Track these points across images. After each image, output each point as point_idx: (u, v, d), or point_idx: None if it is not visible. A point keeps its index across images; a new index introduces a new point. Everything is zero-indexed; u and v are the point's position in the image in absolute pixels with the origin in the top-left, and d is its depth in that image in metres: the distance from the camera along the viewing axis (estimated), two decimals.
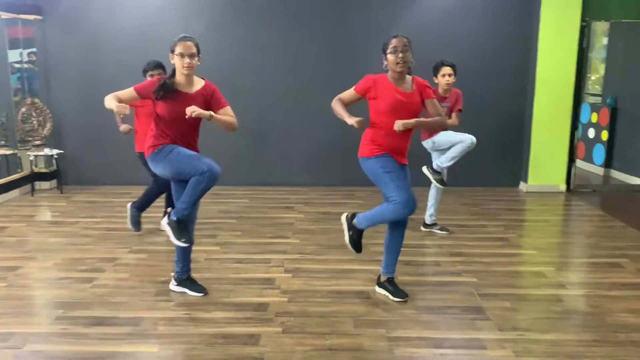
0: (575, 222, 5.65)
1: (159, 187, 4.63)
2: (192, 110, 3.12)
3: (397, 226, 3.49)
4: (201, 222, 5.02)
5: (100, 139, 6.71)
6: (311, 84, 6.63)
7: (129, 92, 3.25)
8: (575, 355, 2.87)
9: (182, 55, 3.21)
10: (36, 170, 6.59)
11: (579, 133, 7.99)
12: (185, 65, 3.21)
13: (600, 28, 8.22)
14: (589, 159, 8.02)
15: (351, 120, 3.26)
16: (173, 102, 3.24)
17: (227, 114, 3.38)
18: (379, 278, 3.65)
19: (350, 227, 3.62)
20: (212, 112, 3.24)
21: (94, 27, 6.55)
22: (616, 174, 7.46)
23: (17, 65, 6.52)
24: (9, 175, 6.30)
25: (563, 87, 6.38)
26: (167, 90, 3.24)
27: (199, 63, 3.31)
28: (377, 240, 4.69)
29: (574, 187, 6.73)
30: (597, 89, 8.45)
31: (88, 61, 6.62)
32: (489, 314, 3.33)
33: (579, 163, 8.02)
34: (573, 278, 3.98)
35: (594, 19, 6.46)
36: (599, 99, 8.17)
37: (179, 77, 3.29)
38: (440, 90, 4.57)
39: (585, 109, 8.14)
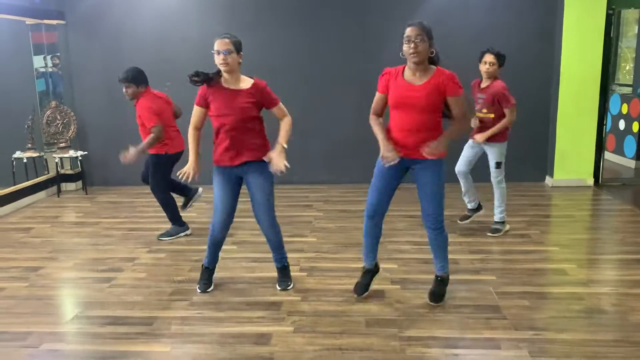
0: (602, 217, 5.47)
1: (164, 191, 4.73)
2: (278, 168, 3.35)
3: (427, 227, 3.34)
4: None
5: (124, 140, 6.71)
6: (330, 83, 6.60)
7: (195, 111, 3.44)
8: (593, 356, 2.78)
9: (217, 52, 3.27)
10: (62, 172, 6.74)
11: (608, 125, 7.76)
12: (221, 61, 3.26)
13: (633, 16, 7.96)
14: (619, 151, 7.76)
15: (385, 152, 3.16)
16: (221, 99, 3.33)
17: (280, 114, 3.54)
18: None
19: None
20: (282, 145, 3.44)
21: (115, 30, 6.65)
22: None
23: (41, 70, 6.67)
24: (36, 177, 6.46)
25: (589, 77, 6.18)
26: (206, 78, 3.33)
27: (239, 60, 3.34)
28: (394, 239, 4.65)
29: (603, 180, 6.53)
30: (628, 79, 8.18)
31: (110, 64, 6.71)
32: (505, 313, 3.25)
33: (609, 156, 7.80)
34: (596, 275, 3.84)
35: (622, 6, 6.24)
36: (629, 90, 7.90)
37: (223, 75, 3.36)
38: (483, 78, 4.48)
39: (615, 99, 7.88)
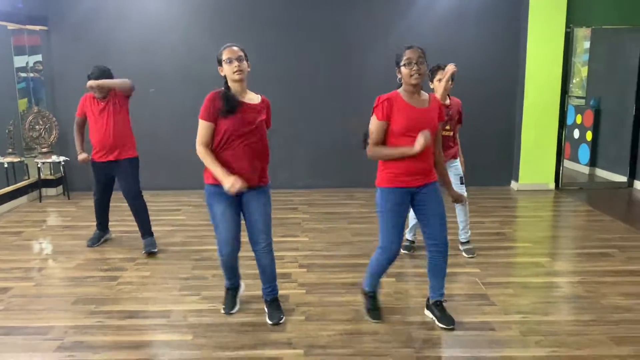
0: (566, 217, 5.96)
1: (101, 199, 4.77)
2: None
3: (432, 252, 3.20)
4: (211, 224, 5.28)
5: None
6: (312, 93, 6.89)
7: (202, 126, 3.08)
8: (575, 334, 3.15)
9: (230, 60, 3.04)
10: (42, 177, 6.73)
11: (565, 134, 8.37)
12: (235, 69, 3.03)
13: (582, 33, 8.61)
14: (574, 158, 8.37)
15: (421, 145, 2.92)
16: (235, 117, 3.06)
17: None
18: (427, 300, 3.37)
19: (364, 296, 3.41)
20: None
21: (99, 37, 6.73)
22: (600, 172, 7.82)
23: (23, 75, 6.67)
24: (15, 183, 6.43)
25: (550, 90, 6.72)
26: (232, 103, 3.06)
27: (249, 68, 3.15)
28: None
29: (562, 185, 7.07)
30: (579, 91, 8.82)
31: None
32: (494, 300, 3.60)
33: (566, 163, 8.38)
34: (568, 267, 4.26)
35: (578, 25, 6.82)
36: (582, 101, 8.54)
37: (234, 87, 3.11)
38: (437, 96, 4.39)
39: (570, 110, 8.50)
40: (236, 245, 3.22)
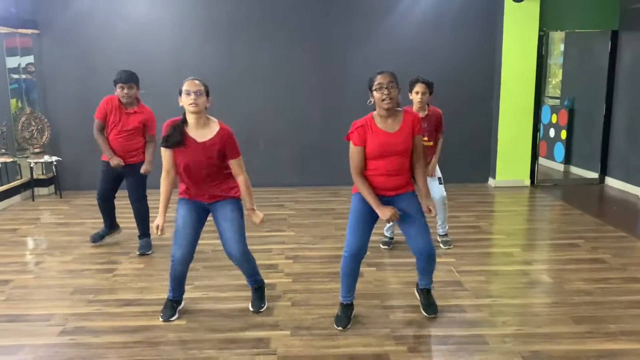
0: (539, 211, 6.28)
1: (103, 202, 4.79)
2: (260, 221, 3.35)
3: (418, 258, 3.32)
4: None
5: (96, 147, 7.03)
6: (296, 93, 7.14)
7: (164, 154, 3.24)
8: (539, 314, 3.45)
9: (188, 92, 3.13)
10: (35, 176, 6.91)
11: (540, 133, 8.72)
12: (191, 101, 3.11)
13: (558, 36, 8.98)
14: (550, 156, 8.72)
15: (385, 214, 3.12)
16: (185, 151, 3.18)
17: (235, 168, 3.30)
18: (417, 285, 3.56)
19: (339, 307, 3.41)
20: (253, 209, 3.34)
21: (89, 40, 6.93)
22: (575, 170, 8.17)
23: (15, 76, 6.84)
24: (8, 182, 6.60)
25: (525, 91, 7.05)
26: (176, 138, 3.16)
27: (207, 104, 3.22)
28: None
29: (537, 181, 7.40)
30: (557, 92, 9.19)
31: (83, 73, 6.99)
32: (467, 286, 3.88)
33: (542, 160, 8.73)
34: (537, 256, 4.56)
35: (551, 29, 7.15)
36: (557, 102, 8.90)
37: (189, 118, 3.19)
38: (414, 108, 4.39)
39: (545, 110, 8.85)
40: (188, 251, 3.35)
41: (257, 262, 4.27)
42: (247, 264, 3.45)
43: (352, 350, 3.01)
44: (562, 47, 9.08)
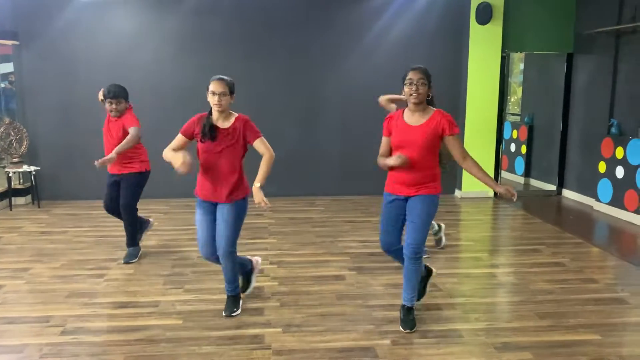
0: (502, 220, 6.70)
1: (136, 210, 4.81)
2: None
3: (405, 255, 3.43)
4: (182, 228, 5.71)
5: (74, 157, 7.15)
6: (272, 107, 7.40)
7: (177, 137, 3.55)
8: (507, 311, 3.79)
9: (213, 93, 3.48)
10: (12, 186, 6.93)
11: (502, 147, 9.22)
12: (216, 102, 3.47)
13: (518, 56, 9.54)
14: (511, 169, 9.23)
15: (392, 161, 3.30)
16: (210, 142, 3.51)
17: (260, 147, 3.65)
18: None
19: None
20: (258, 186, 3.61)
21: (70, 52, 7.04)
22: (534, 182, 8.69)
23: None
24: None
25: (488, 108, 7.52)
26: (208, 133, 3.51)
27: (232, 101, 3.60)
28: (341, 238, 5.52)
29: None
30: (517, 109, 9.74)
31: (63, 84, 7.09)
32: (441, 287, 4.20)
33: (504, 173, 9.23)
34: (503, 260, 4.94)
35: (512, 50, 7.66)
36: (518, 118, 9.45)
37: (214, 114, 3.57)
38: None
39: (507, 126, 9.37)
40: (211, 248, 3.63)
41: None
42: (231, 262, 3.64)
43: (341, 344, 3.28)
44: (521, 66, 9.66)
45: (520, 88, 9.64)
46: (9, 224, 6.07)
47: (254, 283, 3.99)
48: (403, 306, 3.55)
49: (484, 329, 3.48)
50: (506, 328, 3.51)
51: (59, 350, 3.17)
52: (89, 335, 3.36)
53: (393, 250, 3.58)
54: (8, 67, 7.03)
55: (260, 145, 3.67)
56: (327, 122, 7.53)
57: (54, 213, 6.59)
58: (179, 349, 3.20)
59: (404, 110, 3.44)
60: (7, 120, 6.83)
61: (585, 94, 7.43)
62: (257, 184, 3.62)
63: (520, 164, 9.01)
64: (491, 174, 7.68)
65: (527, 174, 8.87)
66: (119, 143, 4.49)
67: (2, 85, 6.98)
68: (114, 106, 4.52)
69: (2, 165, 6.92)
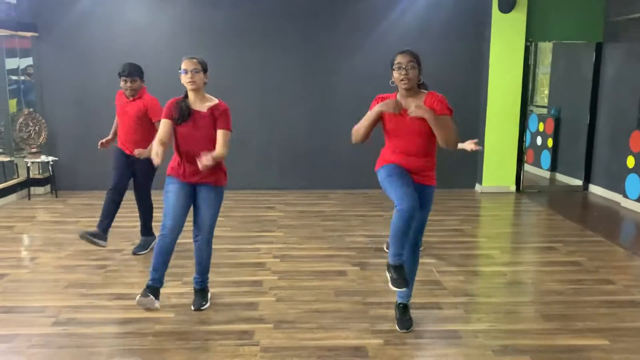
0: (522, 216, 6.46)
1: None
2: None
3: (408, 250, 3.27)
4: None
5: (91, 147, 7.13)
6: (288, 99, 7.32)
7: (163, 124, 3.44)
8: (512, 311, 3.62)
9: (185, 71, 3.39)
10: (31, 176, 7.05)
11: (527, 141, 8.91)
12: (188, 80, 3.38)
13: (547, 46, 9.19)
14: (537, 163, 8.91)
15: (388, 104, 3.06)
16: (186, 123, 3.43)
17: (219, 139, 3.41)
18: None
19: (388, 269, 3.14)
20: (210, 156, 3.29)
21: (87, 43, 7.09)
22: (560, 177, 8.36)
23: (14, 78, 7.00)
24: (5, 181, 6.75)
25: (511, 100, 7.24)
26: (184, 114, 3.42)
27: (205, 80, 3.48)
28: (350, 233, 5.40)
29: (523, 187, 7.58)
30: (545, 101, 9.40)
31: (81, 75, 7.15)
32: (445, 285, 4.04)
33: (529, 168, 8.93)
34: (515, 258, 4.74)
35: (537, 39, 7.35)
36: (545, 110, 9.11)
37: (190, 95, 3.46)
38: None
39: (533, 119, 9.06)
40: (178, 221, 3.48)
41: (246, 261, 4.51)
42: (207, 248, 3.64)
43: (331, 342, 3.17)
44: (550, 57, 9.30)
45: (549, 79, 9.28)
46: (25, 213, 6.16)
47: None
48: (399, 305, 3.43)
49: (484, 331, 3.32)
50: (508, 330, 3.34)
51: (47, 342, 3.16)
52: (80, 327, 3.35)
53: (409, 210, 3.02)
54: (27, 62, 7.12)
55: (220, 137, 3.44)
56: (342, 114, 7.37)
57: (70, 203, 6.66)
58: (165, 343, 3.16)
59: (396, 94, 3.22)
60: (26, 111, 6.93)
61: (615, 85, 7.08)
62: (209, 156, 3.31)
63: (546, 157, 8.69)
64: (513, 167, 7.42)
65: (553, 168, 8.55)
66: (136, 124, 4.50)
67: (22, 77, 7.08)
68: (128, 84, 4.46)
69: (22, 155, 7.03)
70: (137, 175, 4.68)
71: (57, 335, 3.24)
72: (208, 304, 3.67)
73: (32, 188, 7.08)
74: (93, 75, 7.13)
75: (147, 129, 4.51)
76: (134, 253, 4.75)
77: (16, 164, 6.97)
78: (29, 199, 6.84)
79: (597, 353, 3.06)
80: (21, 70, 7.04)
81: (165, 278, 4.12)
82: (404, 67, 3.08)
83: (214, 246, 3.86)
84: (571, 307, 3.66)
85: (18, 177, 6.98)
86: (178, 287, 3.98)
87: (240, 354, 3.04)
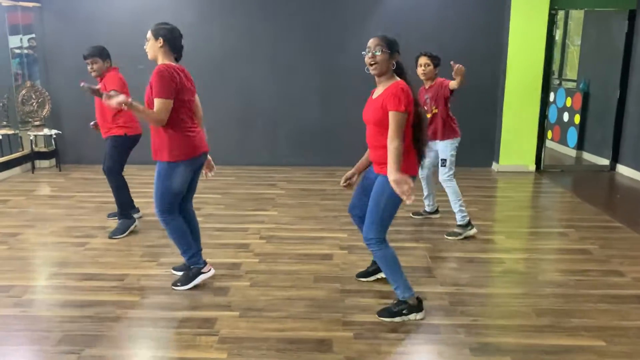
0: (536, 198, 6.04)
1: (118, 173, 4.63)
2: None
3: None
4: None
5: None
6: (296, 71, 7.02)
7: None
8: (502, 305, 3.31)
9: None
10: (36, 149, 7.02)
11: (554, 117, 8.39)
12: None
13: (578, 15, 8.56)
14: (563, 141, 8.39)
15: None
16: None
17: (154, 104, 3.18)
18: None
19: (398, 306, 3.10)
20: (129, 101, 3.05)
21: (90, 14, 6.93)
22: (587, 156, 7.84)
23: (17, 51, 6.91)
24: (10, 154, 6.72)
25: (532, 72, 6.74)
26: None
27: (158, 45, 3.29)
28: (345, 213, 5.12)
29: (544, 167, 7.12)
30: (576, 75, 8.79)
31: (84, 46, 6.96)
32: (435, 273, 3.75)
33: (555, 145, 8.44)
34: (519, 244, 4.38)
35: (562, 6, 6.80)
36: (574, 84, 8.52)
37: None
38: (425, 83, 4.50)
39: (561, 93, 8.50)
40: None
41: (231, 242, 4.33)
42: (165, 226, 3.41)
43: (295, 334, 2.94)
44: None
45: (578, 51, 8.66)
46: (24, 187, 6.12)
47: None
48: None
49: (467, 325, 3.03)
50: (493, 326, 3.04)
51: (3, 323, 3.03)
52: (41, 309, 3.22)
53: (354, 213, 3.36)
54: (30, 37, 7.02)
55: (156, 103, 3.17)
56: (353, 91, 7.03)
57: (71, 177, 6.59)
58: (121, 329, 2.99)
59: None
60: (28, 83, 6.85)
61: None
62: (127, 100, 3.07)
63: (572, 135, 8.16)
64: (533, 145, 6.97)
65: (579, 146, 8.03)
66: (101, 106, 4.46)
67: (25, 51, 6.98)
68: (89, 66, 4.51)
69: (26, 128, 6.98)
70: (105, 160, 4.58)
71: (14, 317, 3.11)
72: (183, 287, 3.45)
73: (37, 161, 7.05)
74: None
75: (113, 111, 4.34)
76: (110, 237, 4.45)
77: (21, 137, 6.93)
78: (32, 172, 6.81)
79: (589, 355, 2.74)
80: (24, 46, 6.94)
81: (143, 258, 4.02)
82: (371, 50, 2.91)
83: (200, 225, 3.71)
84: (570, 301, 3.32)
85: (23, 150, 6.95)
86: (152, 269, 3.81)
87: (195, 344, 2.85)
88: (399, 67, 2.98)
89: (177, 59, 3.41)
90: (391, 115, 2.82)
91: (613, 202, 5.81)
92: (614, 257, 4.05)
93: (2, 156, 6.60)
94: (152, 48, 3.29)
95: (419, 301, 3.13)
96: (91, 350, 2.77)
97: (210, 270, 3.54)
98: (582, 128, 7.97)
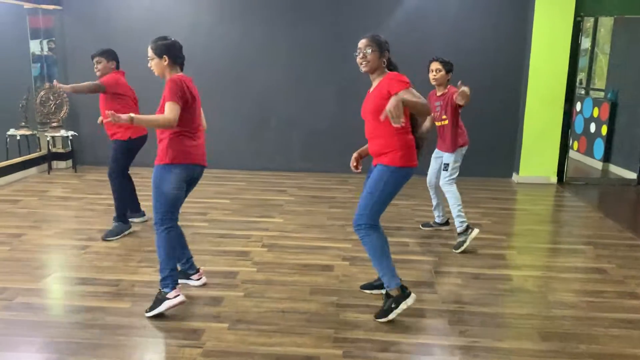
0: (555, 212, 5.79)
1: (122, 177, 4.61)
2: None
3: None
4: (195, 201, 5.41)
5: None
6: (311, 76, 6.92)
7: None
8: (505, 326, 3.12)
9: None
10: (53, 150, 7.08)
11: (580, 128, 8.09)
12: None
13: (609, 22, 8.25)
14: (590, 153, 8.07)
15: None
16: None
17: (166, 108, 3.14)
18: None
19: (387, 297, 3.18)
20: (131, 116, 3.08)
21: (109, 17, 6.97)
22: (614, 168, 7.51)
23: (37, 53, 7.00)
24: (28, 154, 6.80)
25: (555, 81, 6.50)
26: None
27: (165, 63, 3.27)
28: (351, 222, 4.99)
29: (567, 179, 6.85)
30: (603, 84, 8.47)
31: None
32: (437, 289, 3.58)
33: (581, 157, 8.13)
34: (530, 261, 4.16)
35: (589, 13, 6.54)
36: (602, 94, 8.21)
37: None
38: (437, 89, 4.43)
39: (588, 103, 8.19)
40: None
41: (231, 249, 4.25)
42: (156, 236, 3.27)
43: (282, 349, 2.82)
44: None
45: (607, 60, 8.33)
46: (37, 188, 6.16)
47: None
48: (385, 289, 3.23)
49: (464, 347, 2.87)
50: (493, 349, 2.87)
51: None
52: (29, 313, 3.18)
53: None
54: (50, 39, 7.11)
55: (166, 107, 3.14)
56: (365, 90, 6.91)
57: (86, 178, 6.62)
58: (106, 338, 2.92)
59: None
60: (47, 84, 6.93)
61: None
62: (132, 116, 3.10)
63: (599, 146, 7.84)
64: (555, 156, 6.71)
65: (606, 158, 7.70)
66: (104, 103, 4.65)
67: (45, 53, 7.06)
68: (95, 66, 4.66)
69: (44, 129, 7.05)
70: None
71: (2, 321, 3.08)
72: (153, 312, 3.15)
73: (54, 162, 7.11)
74: (116, 48, 6.91)
75: (116, 109, 4.20)
76: (103, 239, 4.43)
77: (38, 138, 7.00)
78: (49, 173, 6.87)
79: None
80: (44, 49, 7.03)
81: (141, 264, 3.97)
82: (362, 50, 3.11)
83: (203, 230, 3.71)
84: (579, 325, 3.12)
85: (40, 150, 7.02)
86: (149, 275, 3.75)
87: (178, 356, 2.76)
88: (391, 64, 3.18)
89: (181, 69, 3.38)
90: (407, 91, 2.91)
91: (638, 219, 5.52)
92: (632, 277, 3.82)
93: (20, 156, 6.68)
94: (158, 66, 3.30)
95: (403, 289, 3.14)
96: (71, 359, 2.70)
97: (177, 296, 3.16)
98: (609, 139, 7.65)
